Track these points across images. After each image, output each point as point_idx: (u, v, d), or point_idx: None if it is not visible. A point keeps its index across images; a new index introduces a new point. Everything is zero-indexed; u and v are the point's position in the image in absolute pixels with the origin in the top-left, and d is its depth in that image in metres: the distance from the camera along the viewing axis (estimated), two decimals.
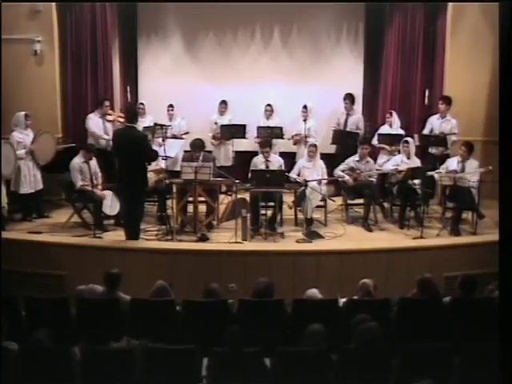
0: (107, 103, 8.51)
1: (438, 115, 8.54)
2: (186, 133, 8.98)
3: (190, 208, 7.58)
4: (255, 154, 8.39)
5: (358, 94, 9.57)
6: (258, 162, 7.87)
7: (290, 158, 8.59)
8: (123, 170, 6.74)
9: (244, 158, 8.93)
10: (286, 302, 5.21)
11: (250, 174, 7.58)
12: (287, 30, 9.71)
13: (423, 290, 5.29)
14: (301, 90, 9.47)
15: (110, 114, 8.45)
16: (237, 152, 9.22)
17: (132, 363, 4.32)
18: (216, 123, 9.16)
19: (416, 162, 7.91)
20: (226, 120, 9.18)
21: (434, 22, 9.07)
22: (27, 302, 5.29)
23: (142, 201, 7.10)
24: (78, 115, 8.92)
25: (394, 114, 8.78)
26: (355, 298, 5.31)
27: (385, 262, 6.47)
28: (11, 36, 8.37)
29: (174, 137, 8.60)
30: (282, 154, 8.59)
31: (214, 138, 9.16)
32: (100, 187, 7.61)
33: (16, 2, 8.31)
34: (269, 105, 9.19)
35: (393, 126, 8.73)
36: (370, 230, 7.63)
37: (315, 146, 7.95)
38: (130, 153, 6.58)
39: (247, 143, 9.18)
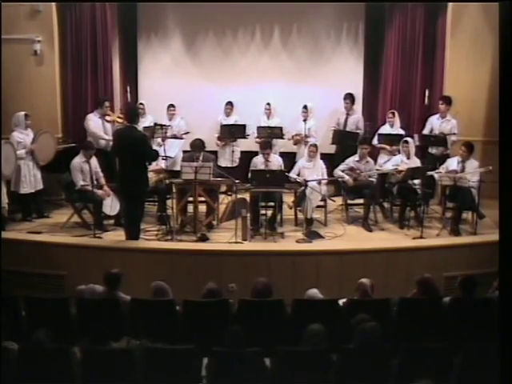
0: (107, 104, 8.48)
1: (437, 115, 8.53)
2: (186, 133, 8.97)
3: (190, 208, 7.58)
4: (255, 154, 8.38)
5: (358, 93, 9.56)
6: (258, 162, 7.87)
7: (290, 158, 8.59)
8: (124, 170, 6.74)
9: (244, 157, 8.94)
10: (286, 302, 5.20)
11: (249, 174, 7.59)
12: (287, 30, 9.71)
13: (423, 290, 5.29)
14: (301, 90, 9.48)
15: (109, 115, 8.44)
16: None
17: (132, 363, 4.31)
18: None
19: (416, 162, 7.90)
20: (231, 121, 9.15)
21: (434, 22, 9.07)
22: (27, 302, 5.29)
23: (142, 201, 7.08)
24: (78, 115, 8.92)
25: (397, 114, 8.76)
26: (355, 298, 5.31)
27: (385, 262, 6.46)
28: (11, 36, 8.38)
29: (174, 137, 8.59)
30: (282, 154, 8.59)
31: (219, 139, 9.14)
32: (105, 187, 7.59)
33: (16, 2, 8.31)
34: (268, 104, 9.17)
35: (394, 126, 8.74)
36: (370, 230, 7.63)
37: (315, 145, 7.95)
38: (131, 153, 6.57)
39: (247, 143, 9.17)
